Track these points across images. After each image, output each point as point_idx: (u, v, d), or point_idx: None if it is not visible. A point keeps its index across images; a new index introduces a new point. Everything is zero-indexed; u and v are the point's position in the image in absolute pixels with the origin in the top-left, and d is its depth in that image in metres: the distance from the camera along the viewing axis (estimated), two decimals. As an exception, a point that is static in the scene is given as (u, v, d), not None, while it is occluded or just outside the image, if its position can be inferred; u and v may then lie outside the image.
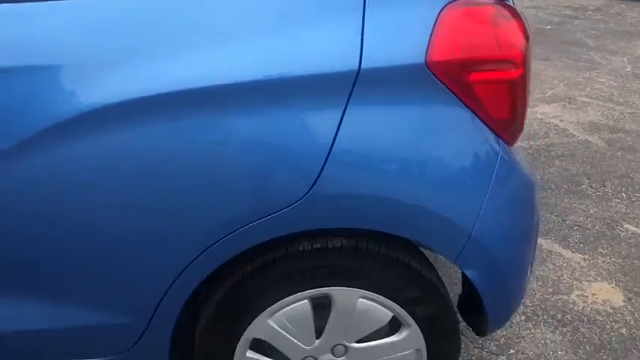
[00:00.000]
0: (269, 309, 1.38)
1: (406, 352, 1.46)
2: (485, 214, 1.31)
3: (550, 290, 2.30)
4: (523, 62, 1.28)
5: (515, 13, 1.29)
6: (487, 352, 2.00)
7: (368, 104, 1.21)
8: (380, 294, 1.37)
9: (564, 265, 2.45)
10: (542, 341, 2.04)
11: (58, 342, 1.38)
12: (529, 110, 3.89)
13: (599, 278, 2.38)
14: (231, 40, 1.16)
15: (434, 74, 1.21)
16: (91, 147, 1.15)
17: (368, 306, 1.39)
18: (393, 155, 1.24)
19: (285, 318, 1.39)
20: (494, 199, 1.32)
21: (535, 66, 5.14)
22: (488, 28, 1.24)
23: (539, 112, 4.05)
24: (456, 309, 1.47)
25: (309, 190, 1.22)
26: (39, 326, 1.34)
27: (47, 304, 1.33)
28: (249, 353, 1.44)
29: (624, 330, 2.11)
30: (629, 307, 2.23)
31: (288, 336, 1.41)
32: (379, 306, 1.39)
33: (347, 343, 1.44)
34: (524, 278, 1.50)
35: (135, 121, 1.14)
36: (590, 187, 3.09)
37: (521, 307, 2.19)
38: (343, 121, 1.20)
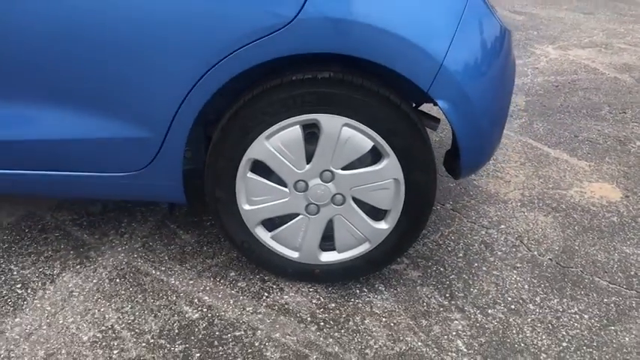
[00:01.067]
0: (266, 132, 1.59)
1: (386, 182, 1.64)
2: (455, 49, 1.47)
3: (550, 186, 2.42)
4: None
5: None
6: (479, 225, 2.15)
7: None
8: (362, 122, 1.56)
9: (568, 168, 2.57)
10: (534, 221, 2.18)
11: (91, 152, 1.64)
12: (561, 52, 3.95)
13: (600, 180, 2.49)
14: None
15: None
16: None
17: (351, 133, 1.58)
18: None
19: (279, 141, 1.60)
20: (464, 37, 1.48)
21: (576, 18, 5.15)
22: None
23: (572, 54, 4.10)
24: (430, 145, 1.63)
25: (297, 14, 1.42)
26: (72, 136, 1.60)
27: (81, 116, 1.58)
28: (250, 174, 1.66)
29: (615, 218, 2.23)
30: (624, 202, 2.33)
31: (282, 158, 1.62)
32: (361, 134, 1.58)
33: (333, 169, 1.63)
34: (497, 123, 1.66)
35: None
36: (610, 112, 3.16)
37: (518, 196, 2.33)
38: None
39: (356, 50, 1.47)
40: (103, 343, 1.57)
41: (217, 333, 1.63)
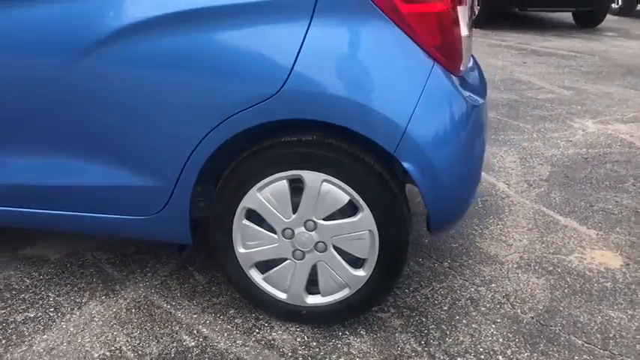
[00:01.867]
0: (258, 184, 1.85)
1: (361, 232, 1.85)
2: (417, 118, 1.70)
3: (551, 251, 2.53)
4: (448, 0, 1.69)
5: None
6: (470, 282, 2.29)
7: (326, 24, 1.68)
8: (338, 179, 1.80)
9: (574, 236, 2.66)
10: (525, 282, 2.30)
11: (113, 198, 1.96)
12: (600, 127, 4.07)
13: (604, 248, 2.56)
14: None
15: (375, 4, 1.66)
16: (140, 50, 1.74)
17: (329, 188, 1.81)
18: (345, 65, 1.69)
19: (269, 192, 1.86)
20: (426, 107, 1.71)
21: (626, 93, 5.20)
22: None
23: (611, 128, 4.17)
24: (403, 200, 1.83)
25: (282, 87, 1.71)
26: (98, 183, 1.93)
27: (106, 167, 1.91)
28: (245, 221, 1.92)
29: (609, 284, 2.30)
30: (623, 269, 2.40)
31: (272, 208, 1.87)
32: (338, 189, 1.81)
33: (315, 219, 1.86)
34: (464, 187, 1.84)
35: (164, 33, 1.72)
36: (634, 185, 3.22)
37: (516, 258, 2.45)
38: (307, 35, 1.68)
39: (330, 117, 1.73)
40: (109, 361, 1.84)
41: (206, 359, 1.85)
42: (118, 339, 1.93)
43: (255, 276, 1.99)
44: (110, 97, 1.82)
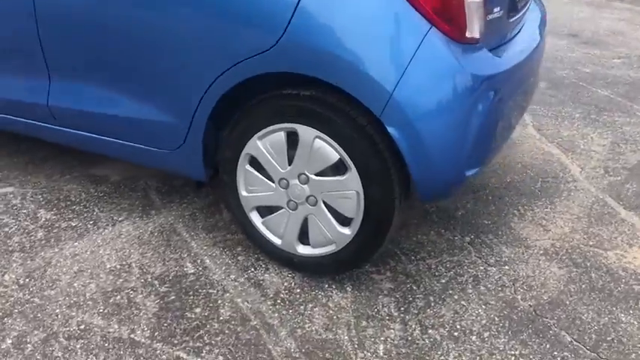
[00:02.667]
0: (258, 133, 1.95)
1: (349, 192, 1.88)
2: (405, 83, 1.68)
3: (591, 244, 2.35)
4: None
5: None
6: (483, 261, 2.23)
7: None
8: (329, 136, 1.84)
9: (627, 231, 2.44)
10: (543, 271, 2.18)
11: (142, 130, 2.16)
12: None
13: (655, 249, 2.34)
14: None
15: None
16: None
17: (321, 145, 1.86)
18: (339, 22, 1.71)
19: (268, 142, 1.95)
20: (416, 73, 1.68)
21: None
22: None
23: None
24: (393, 165, 1.82)
25: (280, 38, 1.76)
26: (129, 114, 2.14)
27: (134, 99, 2.11)
28: (248, 167, 2.03)
29: (638, 287, 2.11)
30: (664, 275, 2.18)
31: (270, 157, 1.96)
32: (329, 147, 1.85)
33: (308, 174, 1.92)
34: (452, 160, 1.78)
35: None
36: None
37: (547, 245, 2.32)
38: (304, -8, 1.71)
39: (323, 74, 1.76)
40: (117, 272, 2.08)
41: (197, 286, 2.03)
42: (132, 256, 2.17)
43: (256, 219, 2.11)
44: (141, 35, 1.99)
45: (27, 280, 2.04)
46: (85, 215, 2.42)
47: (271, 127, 1.93)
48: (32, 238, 2.26)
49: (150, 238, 2.28)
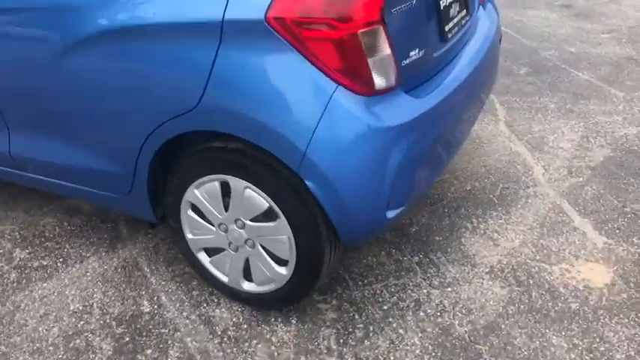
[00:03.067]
0: (195, 182, 2.05)
1: (281, 237, 1.97)
2: (317, 140, 1.75)
3: (538, 257, 2.41)
4: (350, 26, 1.66)
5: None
6: (427, 283, 2.31)
7: (233, 48, 1.76)
8: (258, 187, 1.93)
9: (577, 241, 2.49)
10: (484, 291, 2.26)
11: (96, 177, 2.28)
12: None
13: (601, 261, 2.38)
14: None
15: (274, 29, 1.69)
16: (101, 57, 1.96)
17: (251, 194, 1.95)
18: (250, 86, 1.77)
19: (204, 191, 2.05)
20: (324, 132, 1.74)
21: None
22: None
23: None
24: (319, 213, 1.90)
25: (198, 102, 1.84)
26: (83, 165, 2.26)
27: (85, 151, 2.22)
28: (190, 212, 2.14)
29: (575, 305, 2.18)
30: (604, 290, 2.24)
31: (207, 205, 2.06)
32: (258, 196, 1.94)
33: (243, 219, 2.02)
34: (370, 207, 1.86)
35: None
36: (696, 184, 2.84)
37: (494, 262, 2.39)
38: (217, 57, 1.78)
39: (242, 133, 1.84)
40: (79, 314, 2.23)
41: (150, 326, 2.17)
42: (95, 296, 2.32)
43: (203, 258, 2.23)
44: (83, 96, 2.09)
45: (-3, 325, 2.21)
46: (57, 252, 2.57)
47: (205, 178, 2.02)
48: (5, 280, 2.43)
49: (113, 275, 2.42)
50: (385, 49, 1.77)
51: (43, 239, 2.67)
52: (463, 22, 2.31)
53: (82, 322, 2.20)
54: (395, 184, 1.89)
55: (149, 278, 2.39)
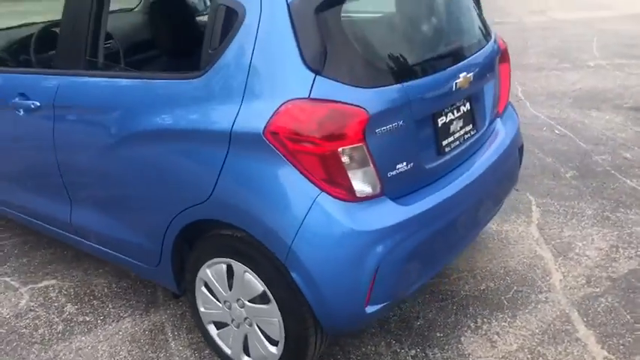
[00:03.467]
0: (207, 263, 2.36)
1: (273, 319, 2.22)
2: (300, 239, 2.01)
3: (531, 364, 2.48)
4: (332, 145, 1.95)
5: (341, 114, 1.95)
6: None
7: (238, 154, 2.08)
8: (254, 272, 2.20)
9: (575, 352, 2.52)
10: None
11: (133, 248, 2.65)
12: None
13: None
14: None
15: (268, 141, 2.00)
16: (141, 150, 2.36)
17: (250, 278, 2.22)
18: (250, 186, 2.08)
19: (214, 271, 2.35)
20: (307, 231, 2.00)
21: None
22: (310, 118, 1.96)
23: None
24: (302, 301, 2.13)
25: (210, 196, 2.17)
26: (124, 237, 2.64)
27: (125, 226, 2.61)
28: (203, 288, 2.44)
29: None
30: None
31: (216, 283, 2.36)
32: (255, 280, 2.21)
33: (243, 299, 2.29)
34: (350, 303, 2.07)
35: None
36: None
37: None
38: (225, 161, 2.11)
39: (243, 225, 2.15)
40: (104, 368, 2.56)
41: (159, 387, 2.44)
42: (121, 353, 2.64)
43: (212, 330, 2.50)
44: (127, 182, 2.50)
45: (37, 370, 2.57)
46: (100, 310, 2.94)
47: (215, 259, 2.32)
48: (53, 330, 2.81)
49: (141, 336, 2.74)
50: (366, 164, 2.03)
51: (92, 297, 3.06)
52: (467, 136, 2.52)
53: (104, 376, 2.52)
54: (375, 283, 2.09)
55: (170, 342, 2.69)
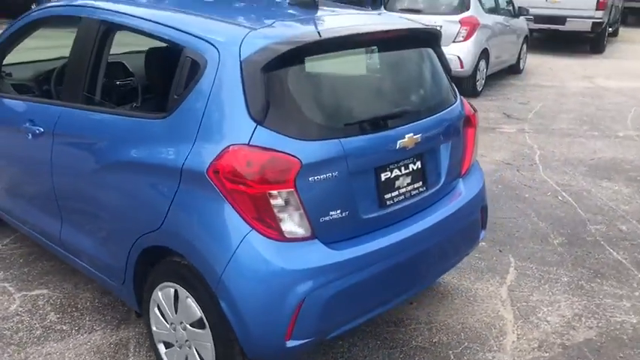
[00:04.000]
0: (159, 286, 2.59)
1: (207, 344, 2.42)
2: (229, 269, 2.22)
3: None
4: (262, 188, 2.17)
5: (275, 161, 2.18)
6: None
7: (186, 190, 2.34)
8: (194, 298, 2.42)
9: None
10: None
11: (105, 267, 2.91)
12: None
13: None
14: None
15: (210, 179, 2.25)
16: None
17: (190, 303, 2.44)
18: (193, 219, 2.33)
19: (164, 294, 2.58)
20: (236, 264, 2.21)
21: None
22: (246, 162, 2.19)
23: None
24: (230, 329, 2.32)
25: (161, 224, 2.43)
26: (94, 253, 2.91)
27: (95, 241, 2.88)
28: (156, 310, 2.67)
29: None
30: None
31: (165, 305, 2.59)
32: (195, 306, 2.43)
33: (185, 323, 2.51)
34: (271, 336, 2.25)
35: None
36: None
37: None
38: (175, 195, 2.37)
39: (185, 253, 2.38)
40: (64, 374, 2.80)
41: (107, 396, 2.66)
42: (83, 362, 2.89)
43: (162, 349, 2.72)
44: (99, 201, 2.79)
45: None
46: (77, 322, 3.21)
47: (165, 283, 2.56)
48: (31, 335, 3.09)
49: (106, 349, 2.98)
50: (296, 208, 2.24)
51: (74, 309, 3.33)
52: (415, 192, 2.68)
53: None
54: (297, 319, 2.26)
55: (129, 357, 2.92)
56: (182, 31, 2.49)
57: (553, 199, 5.03)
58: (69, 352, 2.96)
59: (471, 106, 3.15)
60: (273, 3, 3.08)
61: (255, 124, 2.22)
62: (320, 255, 2.32)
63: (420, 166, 2.71)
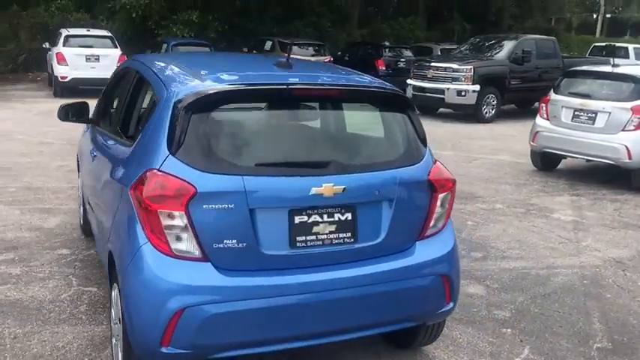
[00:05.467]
0: (112, 286, 3.08)
1: (120, 339, 2.82)
2: (127, 274, 2.64)
3: None
4: (155, 207, 2.55)
5: (171, 184, 2.56)
6: None
7: (122, 202, 2.83)
8: (119, 297, 2.85)
9: None
10: None
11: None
12: None
13: None
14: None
15: (131, 196, 2.70)
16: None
17: (118, 302, 2.88)
18: (120, 228, 2.80)
19: (114, 294, 3.04)
20: (132, 266, 2.61)
21: None
22: (150, 182, 2.60)
23: None
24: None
25: (110, 232, 2.94)
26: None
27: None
28: (113, 308, 3.14)
29: None
30: None
31: (114, 304, 3.05)
32: (119, 304, 2.86)
33: (116, 318, 2.94)
34: (147, 338, 2.57)
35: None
36: None
37: None
38: (119, 206, 2.87)
39: (115, 257, 2.85)
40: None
41: (67, 372, 3.19)
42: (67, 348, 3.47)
43: (113, 342, 3.17)
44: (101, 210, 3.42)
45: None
46: (96, 316, 3.82)
47: (114, 284, 3.03)
48: (58, 317, 3.78)
49: (95, 344, 3.53)
50: (185, 229, 2.56)
51: (101, 307, 3.97)
52: (338, 242, 2.78)
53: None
54: (176, 329, 2.54)
55: (105, 351, 3.42)
56: (158, 77, 3.04)
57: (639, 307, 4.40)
58: (71, 335, 3.56)
59: (450, 175, 3.09)
60: (270, 60, 3.43)
61: (168, 154, 2.63)
62: (206, 275, 2.58)
63: (349, 218, 2.80)
